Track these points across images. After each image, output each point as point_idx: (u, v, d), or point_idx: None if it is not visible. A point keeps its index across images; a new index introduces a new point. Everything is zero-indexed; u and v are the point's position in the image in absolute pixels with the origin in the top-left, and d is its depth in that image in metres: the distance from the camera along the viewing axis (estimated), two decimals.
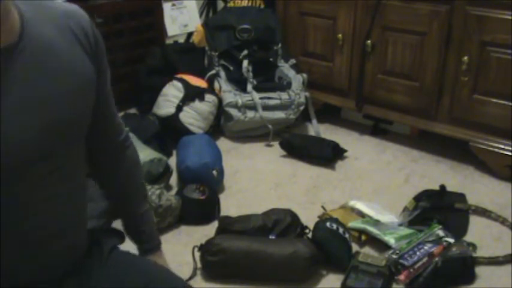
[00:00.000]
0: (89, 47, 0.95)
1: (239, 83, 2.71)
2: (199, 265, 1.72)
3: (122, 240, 1.18)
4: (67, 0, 1.01)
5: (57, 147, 0.91)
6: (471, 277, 1.69)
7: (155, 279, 1.06)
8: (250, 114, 2.60)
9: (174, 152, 2.38)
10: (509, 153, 2.22)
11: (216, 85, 2.72)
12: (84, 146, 1.03)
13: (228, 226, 1.81)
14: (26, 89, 0.85)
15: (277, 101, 2.62)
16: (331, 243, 1.72)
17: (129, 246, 1.18)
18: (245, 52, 2.76)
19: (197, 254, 1.72)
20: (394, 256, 1.70)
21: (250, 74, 2.72)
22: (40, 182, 0.90)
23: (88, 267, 1.04)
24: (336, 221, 1.78)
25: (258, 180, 2.29)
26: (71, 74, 0.91)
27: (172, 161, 2.29)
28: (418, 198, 2.05)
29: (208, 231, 1.89)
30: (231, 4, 2.98)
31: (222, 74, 2.76)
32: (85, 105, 0.96)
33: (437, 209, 2.00)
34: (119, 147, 1.13)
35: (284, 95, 2.64)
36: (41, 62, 0.87)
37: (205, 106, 2.57)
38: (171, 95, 2.57)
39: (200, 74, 2.74)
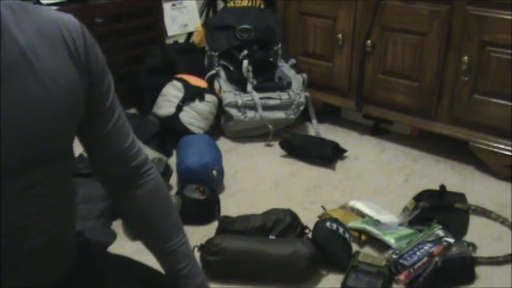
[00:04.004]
0: (77, 57, 0.88)
1: (239, 83, 2.71)
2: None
3: (113, 239, 1.15)
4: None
5: (34, 162, 0.84)
6: (471, 277, 1.69)
7: (148, 284, 1.03)
8: (250, 114, 2.60)
9: (174, 152, 2.38)
10: (509, 153, 2.22)
11: (216, 85, 2.72)
12: (71, 159, 0.96)
13: (228, 226, 1.81)
14: (2, 97, 0.79)
15: (277, 101, 2.62)
16: (331, 243, 1.72)
17: (121, 247, 1.17)
18: (245, 52, 2.76)
19: (197, 254, 1.72)
20: (394, 256, 1.70)
21: (250, 74, 2.72)
22: (20, 198, 0.84)
23: (77, 276, 0.99)
24: (336, 221, 1.78)
25: (258, 180, 2.29)
26: (50, 84, 0.84)
27: (172, 161, 2.29)
28: (418, 198, 2.05)
29: (208, 231, 1.89)
30: (231, 4, 2.98)
31: (222, 74, 2.76)
32: (65, 118, 0.88)
33: (437, 209, 2.00)
34: (131, 177, 1.02)
35: (284, 95, 2.64)
36: (17, 70, 0.81)
37: (205, 106, 2.57)
38: (171, 95, 2.57)
39: (200, 74, 2.74)
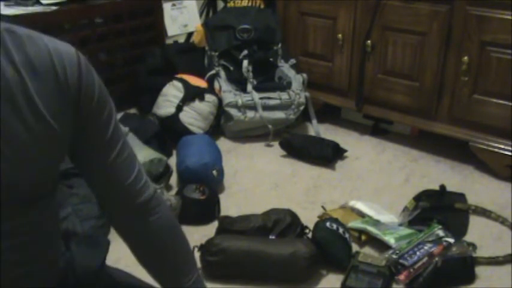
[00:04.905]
0: (67, 91, 0.83)
1: (239, 83, 2.71)
2: (199, 265, 1.72)
3: (105, 253, 1.09)
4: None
5: (9, 198, 0.80)
6: (471, 277, 1.69)
7: None
8: (250, 114, 2.60)
9: (174, 152, 2.38)
10: (509, 153, 2.22)
11: (216, 85, 2.72)
12: (53, 197, 0.90)
13: (228, 226, 1.81)
14: None
15: (277, 101, 2.63)
16: (331, 243, 1.72)
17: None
18: (245, 52, 2.76)
19: (197, 254, 1.72)
20: (394, 256, 1.70)
21: (250, 74, 2.72)
22: None
23: None
24: (336, 221, 1.78)
25: (258, 180, 2.29)
26: (32, 122, 0.79)
27: (172, 161, 2.29)
28: (418, 198, 2.05)
29: (208, 231, 1.89)
30: (231, 4, 2.99)
31: (222, 74, 2.76)
32: (45, 157, 0.83)
33: (437, 209, 2.00)
34: (139, 213, 0.97)
35: (284, 95, 2.64)
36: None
37: (205, 106, 2.57)
38: (171, 95, 2.57)
39: (200, 74, 2.74)
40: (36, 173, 0.82)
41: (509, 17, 2.10)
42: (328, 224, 1.75)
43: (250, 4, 2.96)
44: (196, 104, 2.56)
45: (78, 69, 0.84)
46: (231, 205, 2.08)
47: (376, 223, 1.89)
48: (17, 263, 0.86)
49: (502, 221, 1.98)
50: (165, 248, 1.00)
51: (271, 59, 2.80)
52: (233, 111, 2.59)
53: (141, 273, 1.11)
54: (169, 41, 3.06)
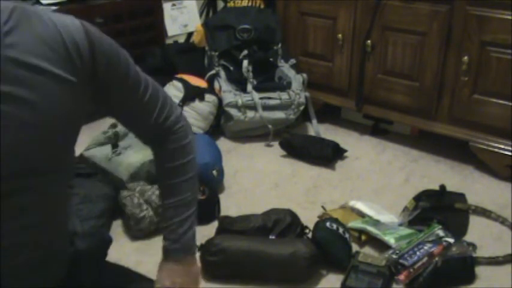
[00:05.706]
0: (81, 63, 0.85)
1: (239, 83, 2.71)
2: (199, 265, 1.72)
3: (108, 245, 1.10)
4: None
5: (20, 175, 0.82)
6: (471, 277, 1.69)
7: None
8: (250, 114, 2.60)
9: None
10: (509, 153, 2.22)
11: (216, 85, 2.72)
12: (65, 173, 0.92)
13: (228, 226, 1.81)
14: None
15: (277, 101, 2.63)
16: (331, 243, 1.72)
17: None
18: (245, 52, 2.76)
19: (197, 254, 1.72)
20: (394, 256, 1.70)
21: (250, 74, 2.72)
22: (6, 211, 0.82)
23: None
24: (336, 221, 1.78)
25: (258, 180, 2.29)
26: (44, 97, 0.81)
27: None
28: (418, 198, 2.05)
29: (208, 231, 1.88)
30: (231, 4, 2.98)
31: (222, 74, 2.76)
32: (54, 137, 0.84)
33: (437, 209, 2.00)
34: (165, 134, 1.05)
35: (284, 95, 2.64)
36: (8, 80, 0.78)
37: (205, 106, 2.58)
38: (171, 95, 2.57)
39: (200, 74, 2.74)
40: (40, 151, 0.83)
41: (509, 17, 2.10)
42: (328, 224, 1.75)
43: (250, 4, 2.96)
44: (196, 104, 2.56)
45: (88, 42, 0.87)
46: (231, 205, 2.08)
47: (376, 223, 1.89)
48: (17, 251, 0.86)
49: (502, 221, 1.98)
50: (170, 165, 1.06)
51: (271, 59, 2.80)
52: (233, 111, 2.59)
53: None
54: (169, 41, 3.06)
